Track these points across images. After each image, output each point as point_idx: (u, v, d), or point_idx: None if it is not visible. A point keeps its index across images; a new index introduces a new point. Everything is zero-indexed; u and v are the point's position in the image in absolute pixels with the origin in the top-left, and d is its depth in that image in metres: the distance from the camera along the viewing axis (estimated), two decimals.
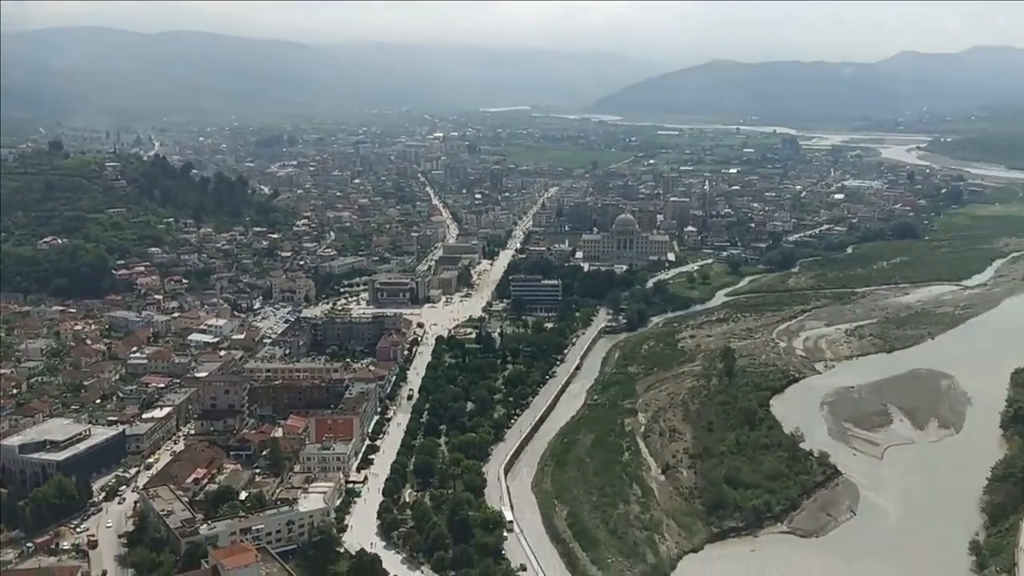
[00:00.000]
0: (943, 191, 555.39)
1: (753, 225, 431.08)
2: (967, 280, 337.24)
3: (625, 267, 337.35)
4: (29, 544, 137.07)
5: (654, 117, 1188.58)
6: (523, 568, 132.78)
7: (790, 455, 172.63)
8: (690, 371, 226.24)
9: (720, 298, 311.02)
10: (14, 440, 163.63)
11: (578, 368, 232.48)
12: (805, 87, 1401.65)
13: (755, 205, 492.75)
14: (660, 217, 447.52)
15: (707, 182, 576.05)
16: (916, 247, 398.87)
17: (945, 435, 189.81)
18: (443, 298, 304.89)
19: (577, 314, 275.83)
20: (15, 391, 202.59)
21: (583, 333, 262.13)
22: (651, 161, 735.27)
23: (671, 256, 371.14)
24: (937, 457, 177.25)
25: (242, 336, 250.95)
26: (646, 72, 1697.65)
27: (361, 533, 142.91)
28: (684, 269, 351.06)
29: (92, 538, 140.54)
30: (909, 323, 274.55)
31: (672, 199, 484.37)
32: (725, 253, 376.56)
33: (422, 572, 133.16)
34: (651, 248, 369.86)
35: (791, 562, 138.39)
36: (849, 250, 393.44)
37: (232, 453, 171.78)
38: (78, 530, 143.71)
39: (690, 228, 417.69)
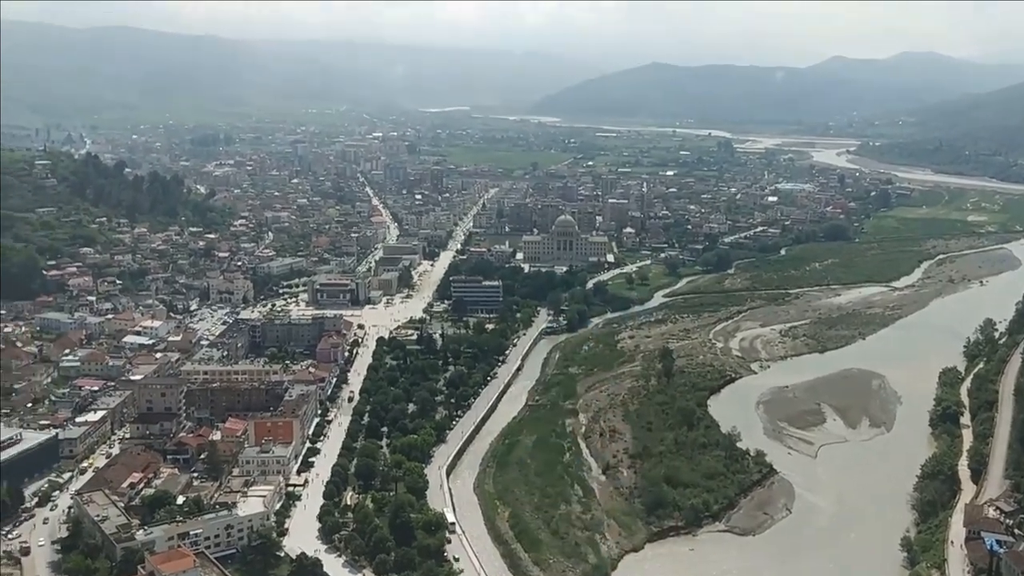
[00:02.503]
0: (872, 194, 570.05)
1: (690, 227, 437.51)
2: (896, 281, 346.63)
3: (565, 268, 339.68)
4: None
5: (593, 119, 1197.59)
6: (464, 571, 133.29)
7: (727, 454, 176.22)
8: (630, 372, 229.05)
9: (658, 299, 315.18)
10: None
11: (519, 369, 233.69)
12: (739, 90, 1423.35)
13: (692, 207, 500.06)
14: (599, 219, 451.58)
15: (645, 184, 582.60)
16: (847, 249, 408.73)
17: (876, 434, 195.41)
18: (384, 299, 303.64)
19: (518, 315, 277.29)
20: None
21: (524, 334, 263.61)
22: (590, 163, 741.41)
23: (610, 257, 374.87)
24: (869, 455, 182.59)
25: (178, 338, 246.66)
26: (585, 73, 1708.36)
27: (302, 537, 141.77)
28: (623, 270, 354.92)
29: (24, 545, 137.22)
30: (841, 323, 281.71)
31: (611, 201, 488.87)
32: (663, 254, 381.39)
33: (364, 575, 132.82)
34: (590, 249, 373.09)
35: (729, 561, 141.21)
36: (783, 252, 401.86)
37: (169, 457, 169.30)
38: (9, 537, 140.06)
39: (628, 229, 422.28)
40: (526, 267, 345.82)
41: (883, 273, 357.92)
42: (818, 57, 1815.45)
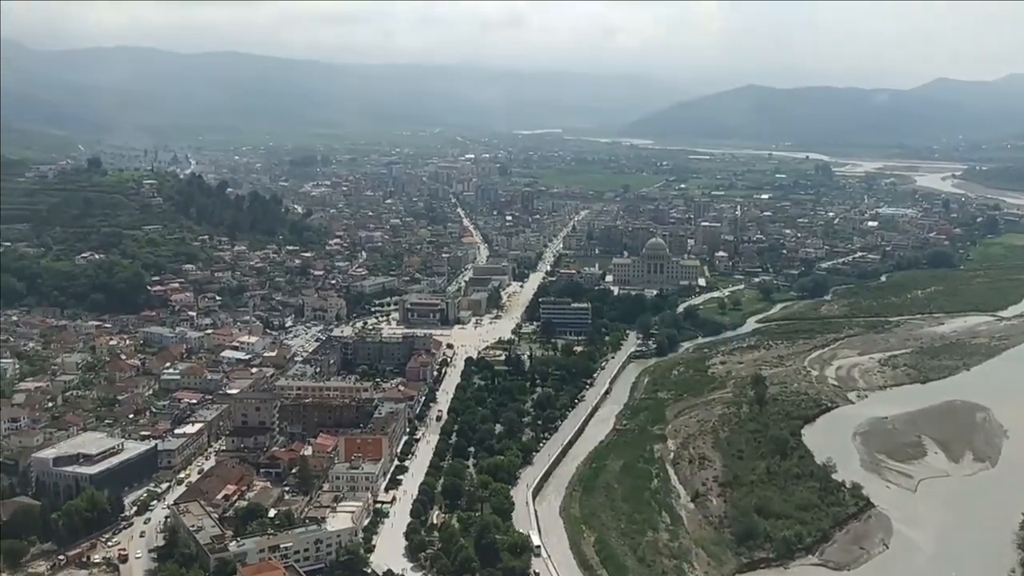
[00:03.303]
0: (979, 220, 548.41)
1: (785, 251, 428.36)
2: (1003, 311, 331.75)
3: (655, 292, 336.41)
4: (61, 556, 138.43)
5: (686, 141, 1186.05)
6: None
7: (822, 486, 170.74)
8: (720, 398, 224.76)
9: (751, 324, 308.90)
10: (48, 453, 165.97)
11: (607, 392, 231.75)
12: (839, 113, 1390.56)
13: (787, 231, 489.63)
14: (691, 242, 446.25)
15: (739, 207, 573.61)
16: (951, 276, 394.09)
17: (980, 468, 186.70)
18: (473, 319, 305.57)
19: (607, 338, 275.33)
20: (50, 404, 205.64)
21: (613, 357, 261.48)
22: (682, 185, 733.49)
23: (702, 281, 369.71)
24: (972, 491, 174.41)
25: (274, 354, 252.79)
26: (678, 96, 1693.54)
27: (388, 554, 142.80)
28: (715, 295, 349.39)
29: (123, 552, 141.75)
30: (944, 353, 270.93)
31: (703, 224, 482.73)
32: (757, 279, 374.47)
33: None
34: (682, 273, 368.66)
35: None
36: (883, 278, 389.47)
37: (262, 470, 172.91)
38: (109, 544, 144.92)
39: (721, 253, 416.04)
40: (616, 290, 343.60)
41: (989, 302, 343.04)
42: (922, 79, 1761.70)
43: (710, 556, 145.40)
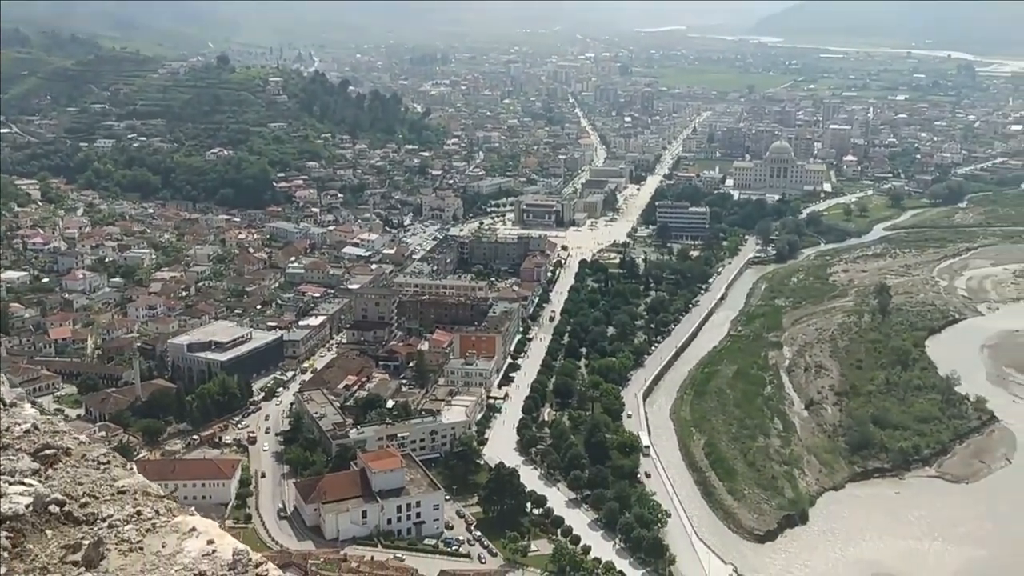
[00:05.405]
0: None
1: (919, 156, 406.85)
2: None
3: (777, 196, 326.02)
4: (195, 436, 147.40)
5: (818, 39, 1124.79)
6: (656, 493, 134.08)
7: (944, 398, 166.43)
8: (841, 306, 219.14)
9: (878, 232, 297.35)
10: (183, 339, 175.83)
11: (723, 298, 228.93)
12: (988, 6, 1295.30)
13: (923, 135, 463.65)
14: (818, 145, 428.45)
15: (871, 109, 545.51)
16: None
17: None
18: (588, 222, 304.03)
19: (724, 243, 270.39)
20: (184, 293, 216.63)
21: (730, 263, 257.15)
22: (811, 86, 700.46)
23: (827, 186, 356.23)
24: None
25: (392, 251, 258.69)
26: None
27: (500, 447, 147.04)
28: (840, 200, 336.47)
29: (252, 435, 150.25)
30: None
31: (832, 127, 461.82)
32: (886, 185, 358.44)
33: (558, 489, 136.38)
34: (806, 177, 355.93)
35: (937, 507, 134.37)
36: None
37: (380, 363, 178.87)
38: (239, 426, 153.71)
39: (849, 158, 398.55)
40: (735, 194, 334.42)
41: None
42: None
43: (822, 463, 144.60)
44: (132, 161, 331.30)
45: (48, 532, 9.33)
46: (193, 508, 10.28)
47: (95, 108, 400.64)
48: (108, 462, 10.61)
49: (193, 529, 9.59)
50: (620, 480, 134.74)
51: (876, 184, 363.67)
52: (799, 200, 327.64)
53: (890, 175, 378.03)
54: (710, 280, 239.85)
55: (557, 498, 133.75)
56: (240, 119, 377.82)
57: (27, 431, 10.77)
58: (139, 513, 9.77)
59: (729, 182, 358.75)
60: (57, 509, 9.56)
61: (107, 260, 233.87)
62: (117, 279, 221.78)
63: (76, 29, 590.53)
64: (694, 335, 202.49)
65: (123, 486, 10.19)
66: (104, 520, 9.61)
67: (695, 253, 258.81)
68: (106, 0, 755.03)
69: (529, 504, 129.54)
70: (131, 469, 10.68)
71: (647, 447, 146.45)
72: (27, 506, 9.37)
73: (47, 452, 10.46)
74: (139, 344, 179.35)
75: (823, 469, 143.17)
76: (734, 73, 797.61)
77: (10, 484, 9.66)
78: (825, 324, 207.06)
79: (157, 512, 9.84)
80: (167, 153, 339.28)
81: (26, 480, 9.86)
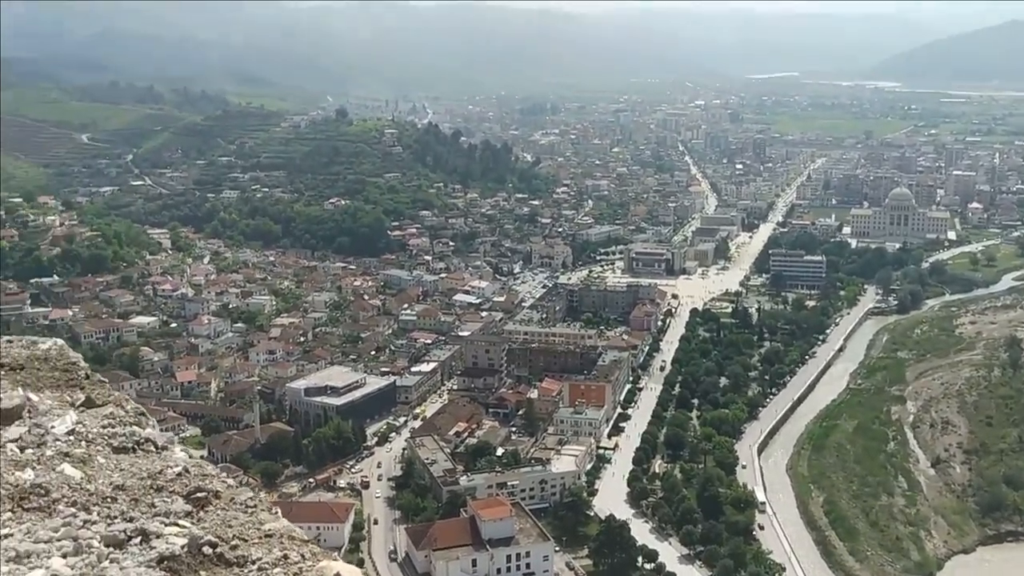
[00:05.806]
0: None
1: None
2: None
3: (898, 245, 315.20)
4: (311, 479, 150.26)
5: (938, 83, 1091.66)
6: (772, 552, 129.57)
7: None
8: (968, 360, 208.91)
9: (1007, 283, 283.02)
10: (300, 383, 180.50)
11: (841, 350, 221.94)
12: None
13: None
14: (940, 192, 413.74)
15: (997, 155, 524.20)
16: None
17: None
18: (699, 270, 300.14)
19: (842, 292, 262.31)
20: (302, 339, 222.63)
21: (848, 313, 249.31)
22: (932, 131, 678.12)
23: (951, 235, 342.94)
24: None
25: (502, 298, 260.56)
26: (929, 35, 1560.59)
27: (610, 499, 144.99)
28: (966, 249, 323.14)
29: (365, 479, 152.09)
30: None
31: (955, 173, 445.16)
32: (1015, 233, 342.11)
33: (670, 544, 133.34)
34: (928, 225, 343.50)
35: None
36: None
37: (490, 410, 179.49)
38: (353, 471, 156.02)
39: (975, 205, 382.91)
40: (853, 242, 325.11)
41: None
42: None
43: (951, 525, 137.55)
44: (255, 211, 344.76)
45: (202, 573, 9.49)
46: (336, 553, 10.35)
47: (222, 161, 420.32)
48: (255, 506, 10.77)
49: (338, 574, 9.62)
50: (734, 536, 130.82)
51: (1004, 232, 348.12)
52: (921, 249, 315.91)
53: (1019, 223, 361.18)
54: (827, 331, 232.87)
55: (669, 553, 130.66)
56: (357, 169, 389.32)
57: (179, 474, 11.04)
58: (286, 557, 9.85)
59: (846, 230, 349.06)
60: (210, 551, 9.72)
61: (231, 306, 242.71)
62: (239, 324, 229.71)
63: (206, 86, 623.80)
64: (811, 387, 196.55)
65: (270, 529, 10.32)
66: (254, 563, 9.72)
67: (811, 303, 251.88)
68: (231, 58, 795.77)
69: (640, 558, 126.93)
70: (276, 513, 10.84)
71: (763, 503, 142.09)
72: (183, 547, 9.56)
73: (199, 495, 10.68)
74: (259, 388, 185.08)
75: (951, 531, 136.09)
76: (850, 119, 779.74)
77: (166, 525, 9.90)
78: (952, 378, 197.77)
79: (303, 556, 9.91)
80: (288, 203, 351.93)
81: (180, 522, 10.09)
